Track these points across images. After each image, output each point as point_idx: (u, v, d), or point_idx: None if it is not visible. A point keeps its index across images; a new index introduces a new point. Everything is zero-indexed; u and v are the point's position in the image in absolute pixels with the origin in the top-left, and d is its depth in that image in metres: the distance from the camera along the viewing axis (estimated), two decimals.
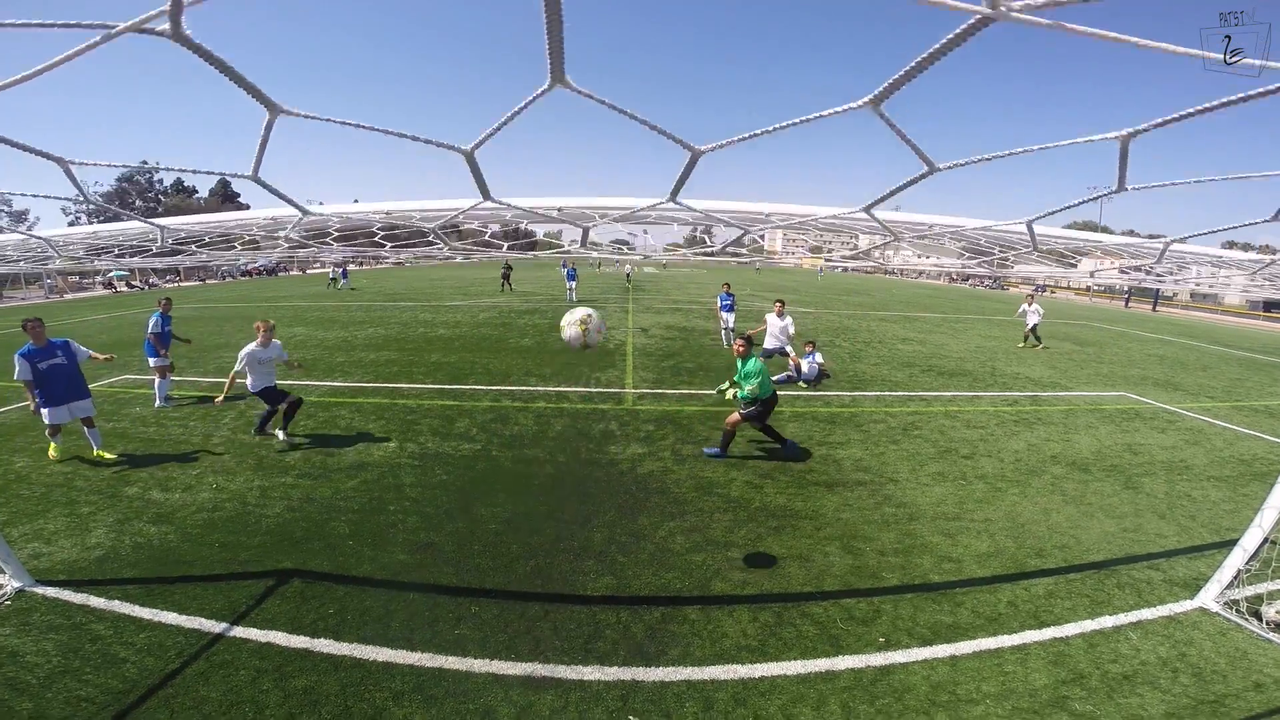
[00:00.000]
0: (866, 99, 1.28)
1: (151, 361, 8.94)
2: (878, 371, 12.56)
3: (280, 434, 7.46)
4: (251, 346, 7.21)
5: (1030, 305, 17.14)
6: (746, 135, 1.53)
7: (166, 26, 1.12)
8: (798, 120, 1.43)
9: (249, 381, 7.23)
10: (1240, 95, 1.16)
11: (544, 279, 40.17)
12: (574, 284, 25.81)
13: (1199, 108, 1.25)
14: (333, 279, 32.79)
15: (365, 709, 3.28)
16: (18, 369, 6.26)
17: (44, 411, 6.44)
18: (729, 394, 7.13)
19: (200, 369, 11.54)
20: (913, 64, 1.10)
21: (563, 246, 5.38)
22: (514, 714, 3.28)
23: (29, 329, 6.35)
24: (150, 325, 8.91)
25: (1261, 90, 1.13)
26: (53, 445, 6.79)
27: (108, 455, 6.81)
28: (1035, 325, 17.05)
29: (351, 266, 58.18)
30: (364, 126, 1.56)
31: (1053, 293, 52.79)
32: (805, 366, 11.25)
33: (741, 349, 6.99)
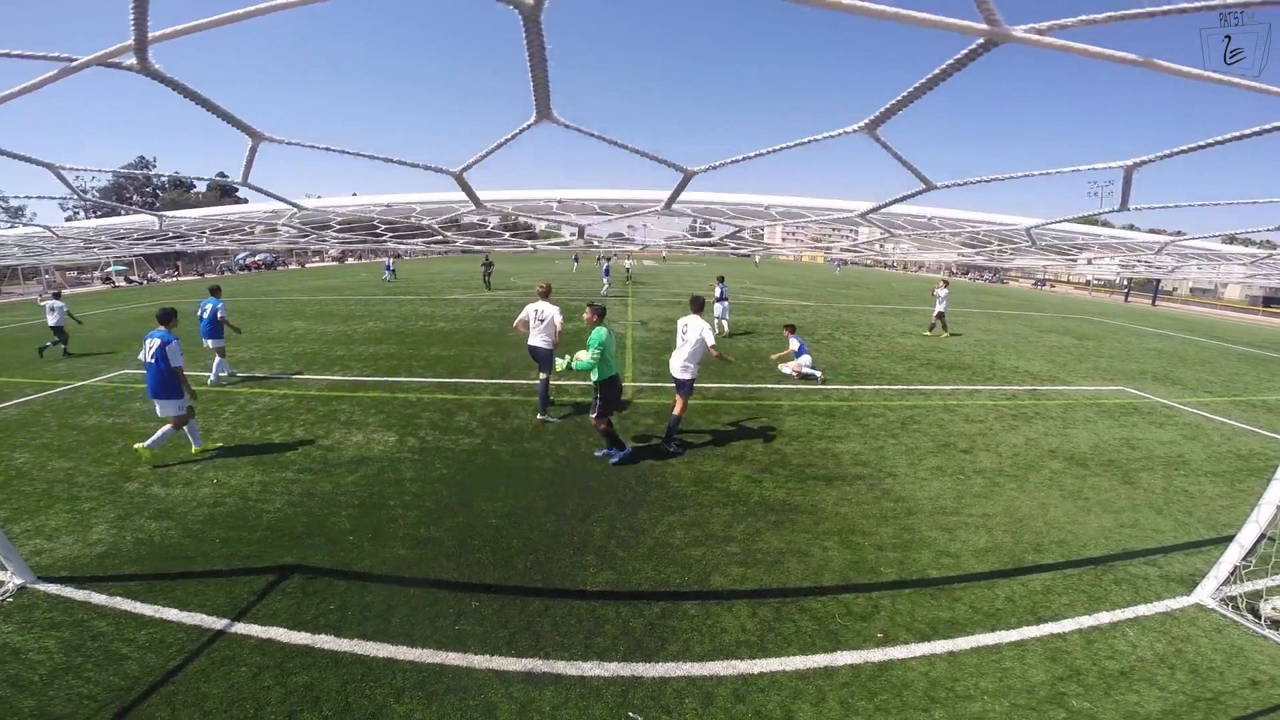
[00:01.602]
0: (862, 124, 1.27)
1: (210, 343, 9.92)
2: (877, 365, 12.56)
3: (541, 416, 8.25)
4: (545, 310, 8.10)
5: (942, 290, 16.94)
6: (740, 158, 1.52)
7: (133, 61, 1.04)
8: (792, 144, 1.42)
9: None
10: (1253, 130, 1.15)
11: (543, 273, 40.07)
12: (608, 279, 26.27)
13: (1204, 142, 1.25)
14: (388, 274, 33.29)
15: (366, 705, 3.30)
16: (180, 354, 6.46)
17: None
18: (560, 365, 6.52)
19: (200, 364, 11.52)
20: (910, 90, 1.09)
21: (562, 237, 5.37)
22: (515, 710, 3.30)
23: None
24: (219, 311, 9.91)
25: (1272, 126, 1.12)
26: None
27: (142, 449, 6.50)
28: (941, 312, 16.94)
29: (350, 260, 58.22)
30: (349, 152, 1.55)
31: (1053, 287, 52.74)
32: (797, 367, 11.14)
33: (590, 318, 6.53)
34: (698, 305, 7.22)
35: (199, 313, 9.88)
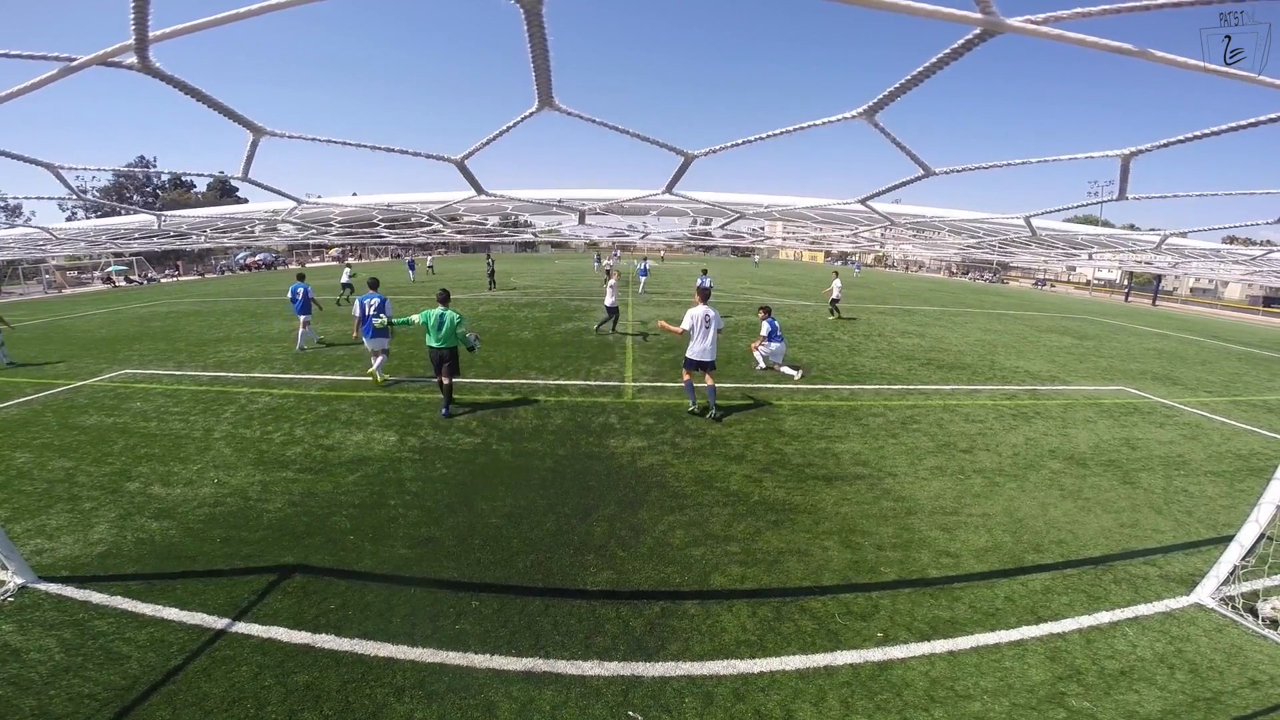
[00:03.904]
0: (860, 110, 1.27)
1: (302, 317, 12.80)
2: (877, 365, 12.56)
3: (610, 329, 15.18)
4: (613, 282, 14.91)
5: (836, 282, 19.69)
6: (740, 141, 1.52)
7: (134, 60, 1.05)
8: (791, 128, 1.43)
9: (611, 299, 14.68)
10: (1249, 121, 1.15)
11: (541, 272, 40.07)
12: (644, 279, 27.39)
13: (1203, 132, 1.25)
14: (429, 267, 37.13)
15: (367, 705, 3.30)
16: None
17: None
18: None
19: (201, 363, 11.54)
20: (908, 77, 1.09)
21: (560, 234, 5.44)
22: (515, 709, 3.30)
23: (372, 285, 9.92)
24: (307, 291, 12.94)
25: (1269, 118, 1.12)
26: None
27: (380, 378, 9.78)
28: (836, 300, 19.42)
29: (351, 260, 58.39)
30: (350, 144, 1.55)
31: (1053, 287, 52.73)
32: (757, 346, 11.31)
33: (440, 298, 8.13)
34: (705, 295, 8.64)
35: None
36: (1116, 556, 5.12)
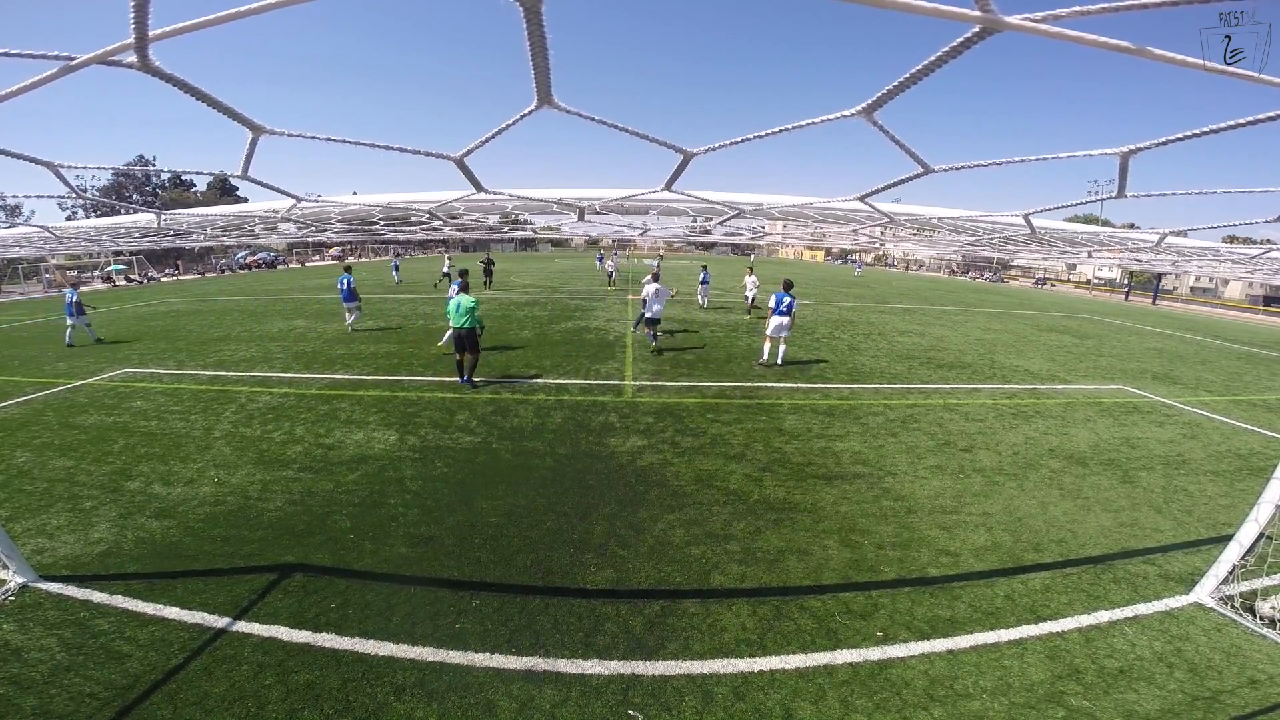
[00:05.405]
0: (860, 107, 1.27)
1: (349, 304, 14.88)
2: (876, 364, 12.57)
3: (635, 329, 15.12)
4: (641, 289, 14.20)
5: (750, 277, 19.70)
6: (739, 139, 1.52)
7: (134, 59, 1.05)
8: (790, 126, 1.43)
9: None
10: (1248, 119, 1.15)
11: (541, 270, 40.05)
12: (658, 271, 27.66)
13: (1202, 130, 1.25)
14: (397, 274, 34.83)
15: (367, 704, 3.31)
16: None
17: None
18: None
19: (201, 362, 11.55)
20: (907, 75, 1.10)
21: (560, 233, 5.46)
22: (515, 708, 3.30)
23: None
24: (350, 282, 14.79)
25: (1268, 115, 1.12)
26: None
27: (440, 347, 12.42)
28: (754, 297, 19.29)
29: (350, 259, 58.33)
30: (350, 142, 1.55)
31: (1053, 286, 52.71)
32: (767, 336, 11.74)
33: (460, 285, 9.85)
34: (656, 276, 12.40)
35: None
36: (1116, 555, 5.13)
